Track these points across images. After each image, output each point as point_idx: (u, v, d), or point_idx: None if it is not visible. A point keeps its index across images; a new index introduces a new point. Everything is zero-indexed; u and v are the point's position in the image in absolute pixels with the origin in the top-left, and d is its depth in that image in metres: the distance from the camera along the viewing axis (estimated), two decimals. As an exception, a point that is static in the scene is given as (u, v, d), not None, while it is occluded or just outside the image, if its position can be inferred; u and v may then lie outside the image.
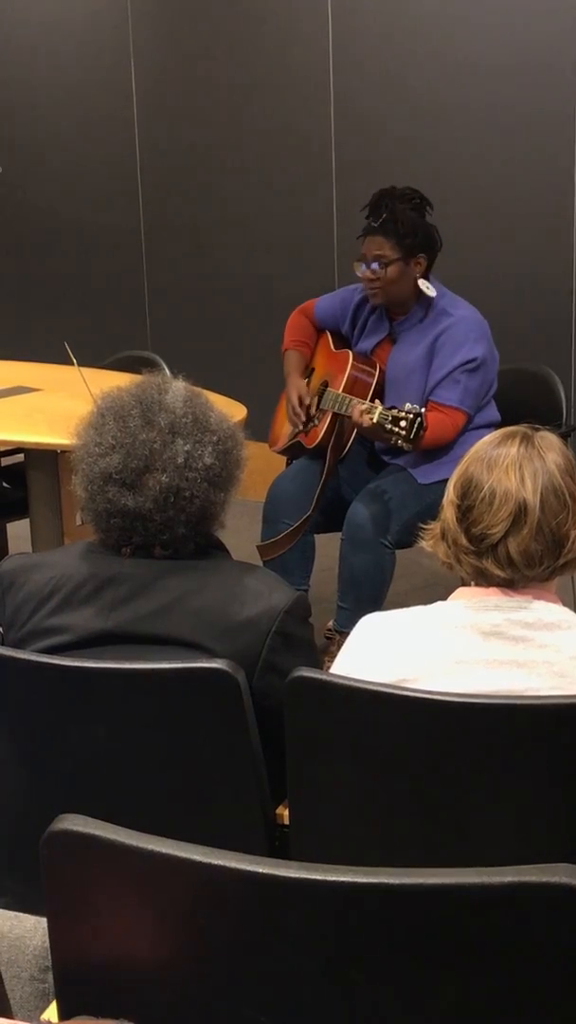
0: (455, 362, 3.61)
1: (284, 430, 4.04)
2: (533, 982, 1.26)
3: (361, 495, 3.70)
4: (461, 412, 3.61)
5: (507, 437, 1.94)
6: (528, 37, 4.58)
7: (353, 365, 3.79)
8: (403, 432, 3.29)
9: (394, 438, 3.32)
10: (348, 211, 5.20)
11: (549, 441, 1.95)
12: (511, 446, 1.92)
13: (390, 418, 3.31)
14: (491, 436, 1.97)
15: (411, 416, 3.28)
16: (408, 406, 3.32)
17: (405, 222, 3.64)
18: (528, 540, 1.87)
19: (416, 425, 3.28)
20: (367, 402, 3.53)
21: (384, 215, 3.66)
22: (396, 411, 3.32)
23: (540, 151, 4.63)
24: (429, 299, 3.70)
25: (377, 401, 3.51)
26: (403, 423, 3.29)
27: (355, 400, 3.63)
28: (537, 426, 1.99)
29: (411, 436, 3.28)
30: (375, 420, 3.34)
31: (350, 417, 3.57)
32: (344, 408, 3.68)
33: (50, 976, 2.41)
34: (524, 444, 1.92)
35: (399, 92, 4.98)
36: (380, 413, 3.34)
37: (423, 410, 3.31)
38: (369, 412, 3.38)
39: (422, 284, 3.68)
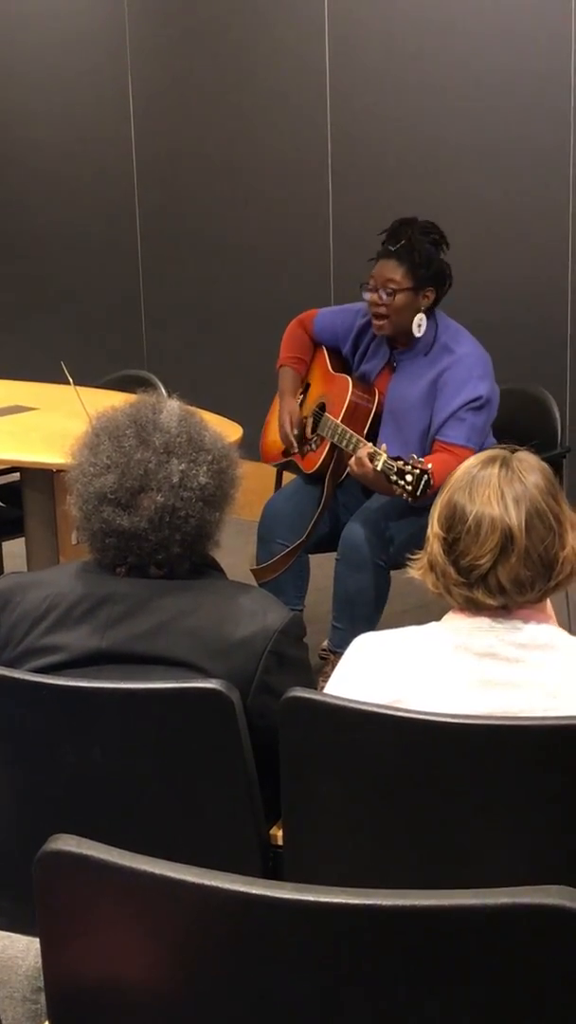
0: (459, 401, 3.54)
1: (277, 444, 4.01)
2: (528, 1004, 1.26)
3: (356, 515, 3.70)
4: (468, 450, 3.51)
5: (486, 463, 1.92)
6: (524, 64, 4.60)
7: (353, 393, 3.73)
8: (409, 487, 3.20)
9: (398, 491, 3.24)
10: (344, 231, 5.23)
11: (528, 463, 1.93)
12: (490, 472, 1.91)
13: (395, 469, 3.22)
14: (469, 462, 1.95)
15: (418, 471, 3.19)
16: (415, 459, 3.24)
17: (422, 252, 3.59)
18: (517, 567, 1.86)
19: (423, 483, 3.19)
20: (370, 445, 3.44)
21: (403, 241, 3.61)
22: (403, 463, 3.22)
23: (536, 173, 4.65)
24: (432, 331, 3.64)
25: (384, 446, 3.40)
26: (409, 477, 3.20)
27: (356, 438, 3.59)
28: (515, 447, 1.98)
29: (416, 492, 3.20)
30: (379, 468, 3.28)
31: (349, 455, 3.52)
32: (343, 443, 3.64)
33: (43, 997, 2.41)
34: (503, 468, 1.91)
35: (395, 114, 5.00)
36: (385, 462, 3.26)
37: (430, 466, 3.22)
38: (373, 459, 3.30)
39: (416, 319, 3.62)
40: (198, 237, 5.75)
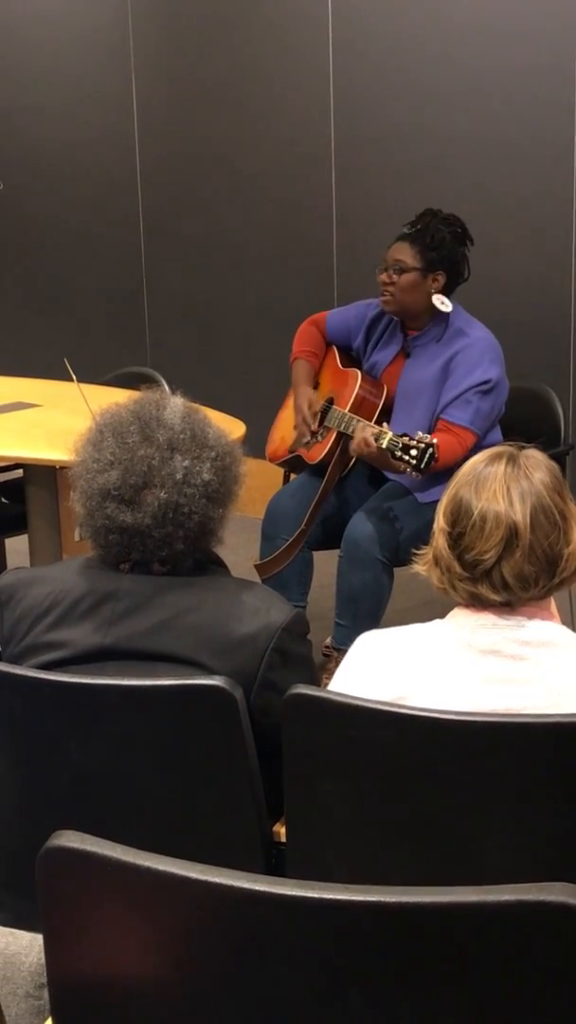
0: (469, 382, 3.59)
1: (283, 442, 4.02)
2: (530, 1001, 1.26)
3: (360, 512, 3.70)
4: (471, 432, 3.58)
5: (493, 459, 1.93)
6: (528, 60, 4.60)
7: (361, 385, 3.77)
8: (413, 461, 3.25)
9: (403, 466, 3.28)
10: (347, 228, 5.23)
11: (535, 459, 1.94)
12: (497, 468, 1.91)
13: (400, 445, 3.27)
14: (477, 458, 1.96)
15: (422, 446, 3.25)
16: (420, 435, 3.28)
17: (435, 237, 3.68)
18: (521, 563, 1.87)
19: (428, 456, 3.24)
20: (375, 426, 3.49)
21: (419, 226, 3.72)
22: (407, 439, 3.28)
23: (540, 169, 4.64)
24: (445, 317, 3.71)
25: (386, 425, 3.48)
26: (414, 452, 3.25)
27: (362, 421, 3.62)
28: (523, 444, 1.98)
29: (421, 466, 3.25)
30: (384, 446, 3.31)
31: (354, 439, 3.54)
32: (350, 428, 3.66)
33: (46, 993, 2.41)
34: (510, 465, 1.91)
35: (399, 112, 4.99)
36: (390, 439, 3.30)
37: (435, 441, 3.27)
38: (378, 437, 3.35)
39: (436, 299, 3.68)
40: (201, 235, 5.75)
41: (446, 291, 3.71)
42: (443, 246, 3.68)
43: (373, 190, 5.11)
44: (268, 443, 4.08)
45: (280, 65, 5.32)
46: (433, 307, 3.70)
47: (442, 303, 3.68)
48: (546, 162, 4.62)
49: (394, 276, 3.68)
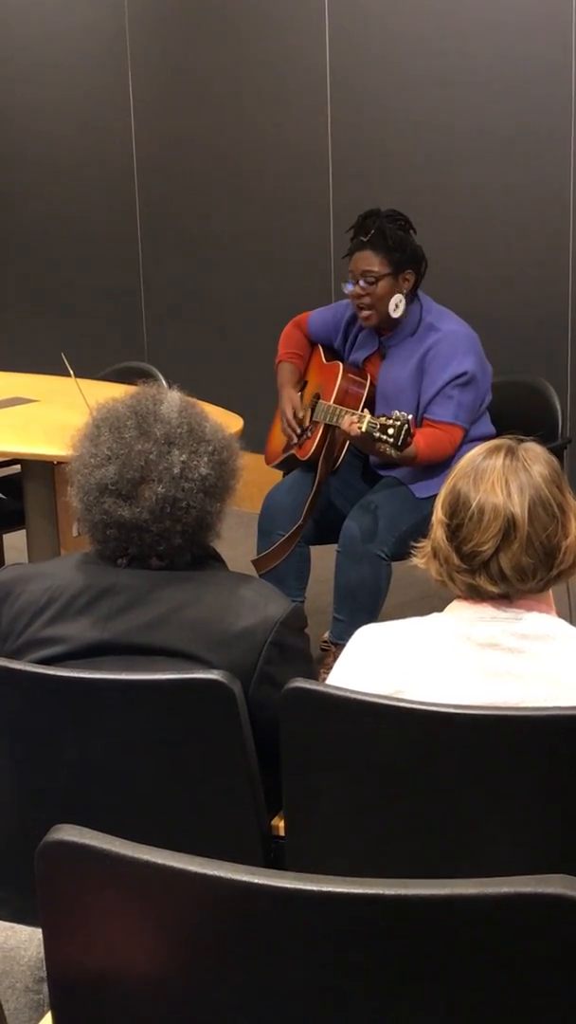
0: (445, 377, 3.61)
1: (279, 445, 4.04)
2: (529, 993, 1.26)
3: (357, 507, 3.71)
4: (457, 427, 3.61)
5: (491, 451, 1.94)
6: (525, 52, 4.59)
7: (344, 376, 3.81)
8: (391, 440, 3.30)
9: (383, 446, 3.33)
10: (344, 224, 5.19)
11: (534, 452, 1.94)
12: (496, 461, 1.92)
13: (378, 426, 3.32)
14: (476, 451, 1.96)
15: (399, 423, 3.29)
16: (396, 413, 3.32)
17: (394, 238, 3.66)
18: (519, 555, 1.87)
19: (403, 432, 3.29)
20: (357, 412, 3.52)
21: (372, 231, 3.68)
22: (384, 419, 3.33)
23: (537, 164, 4.64)
24: (418, 311, 3.71)
25: (366, 411, 3.52)
26: (391, 431, 3.30)
27: (345, 410, 3.65)
28: (521, 437, 1.99)
29: (399, 443, 3.29)
30: (364, 429, 3.35)
31: (340, 427, 3.58)
32: (335, 419, 3.69)
33: (45, 987, 2.41)
34: (508, 457, 1.92)
35: (395, 107, 4.99)
36: (368, 422, 3.35)
37: (411, 416, 3.32)
38: (358, 421, 3.39)
39: (393, 300, 3.67)
40: (198, 230, 5.75)
41: (415, 285, 3.71)
42: (403, 244, 3.67)
43: (371, 182, 5.10)
44: (266, 449, 4.11)
45: (277, 59, 5.32)
46: (407, 307, 3.69)
47: (395, 307, 3.67)
48: (543, 157, 4.62)
49: (367, 288, 3.66)
